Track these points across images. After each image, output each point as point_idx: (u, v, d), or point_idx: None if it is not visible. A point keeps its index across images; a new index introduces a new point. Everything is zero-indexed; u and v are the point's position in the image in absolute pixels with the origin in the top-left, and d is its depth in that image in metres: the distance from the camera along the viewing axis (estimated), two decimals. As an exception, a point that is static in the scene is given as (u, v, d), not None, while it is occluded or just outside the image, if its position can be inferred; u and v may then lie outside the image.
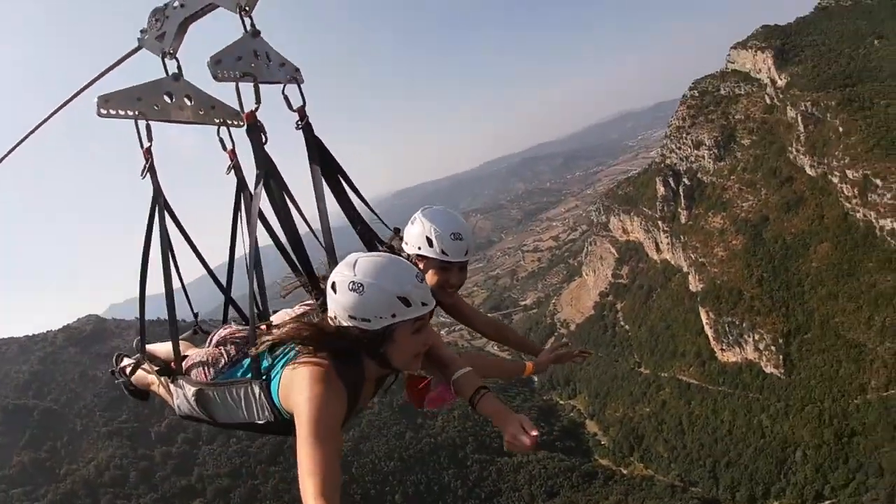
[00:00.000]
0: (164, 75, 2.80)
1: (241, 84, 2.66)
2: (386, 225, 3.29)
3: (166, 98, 2.91)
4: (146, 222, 2.94)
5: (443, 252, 3.05)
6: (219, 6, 2.57)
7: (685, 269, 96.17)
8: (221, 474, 67.39)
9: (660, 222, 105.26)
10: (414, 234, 3.14)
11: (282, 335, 2.33)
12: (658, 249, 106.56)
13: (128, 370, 3.18)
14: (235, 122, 3.06)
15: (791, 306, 77.98)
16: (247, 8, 2.53)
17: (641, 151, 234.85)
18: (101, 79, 3.02)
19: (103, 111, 2.79)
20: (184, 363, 2.90)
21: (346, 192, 2.98)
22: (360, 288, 2.18)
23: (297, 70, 2.88)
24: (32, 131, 3.24)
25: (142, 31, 2.83)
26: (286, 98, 2.78)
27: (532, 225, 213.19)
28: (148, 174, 2.97)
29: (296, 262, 2.66)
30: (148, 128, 2.89)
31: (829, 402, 69.04)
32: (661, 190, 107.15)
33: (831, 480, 64.61)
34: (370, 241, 3.08)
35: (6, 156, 3.39)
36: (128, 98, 2.81)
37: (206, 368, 2.80)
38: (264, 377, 2.41)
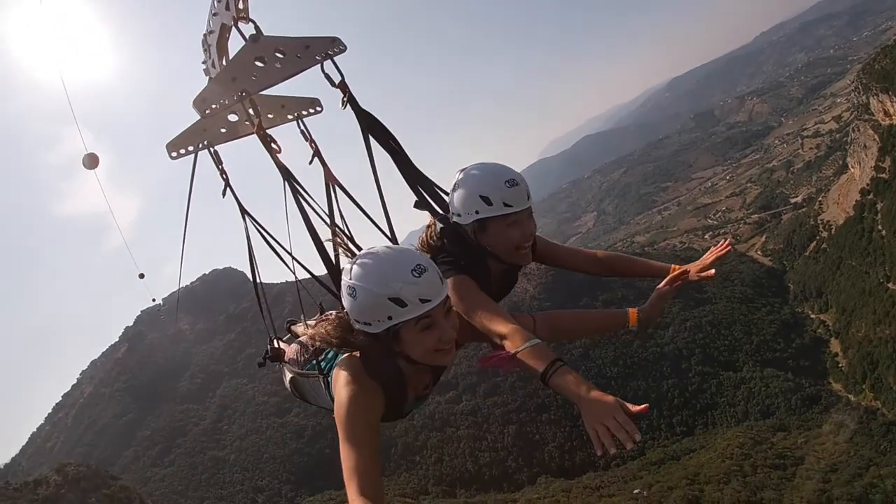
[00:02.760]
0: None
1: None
2: (444, 192, 3.19)
3: (231, 118, 3.25)
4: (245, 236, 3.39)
5: (505, 204, 2.87)
6: (231, 24, 2.76)
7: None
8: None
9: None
10: (464, 200, 2.96)
11: (313, 335, 2.50)
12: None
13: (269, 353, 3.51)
14: (314, 110, 3.50)
15: None
16: (242, 16, 2.65)
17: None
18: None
19: (174, 154, 3.22)
20: (288, 350, 3.27)
21: (407, 162, 3.11)
22: (354, 292, 2.22)
23: (334, 40, 2.94)
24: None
25: (203, 62, 3.23)
26: (327, 77, 2.94)
27: (814, 103, 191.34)
28: (230, 193, 3.38)
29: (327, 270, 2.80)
30: (217, 153, 3.30)
31: None
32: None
33: None
34: (430, 211, 3.14)
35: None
36: (193, 133, 3.22)
37: (297, 356, 3.08)
38: (326, 372, 2.62)
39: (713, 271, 3.13)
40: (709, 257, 3.17)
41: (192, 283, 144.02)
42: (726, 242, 3.21)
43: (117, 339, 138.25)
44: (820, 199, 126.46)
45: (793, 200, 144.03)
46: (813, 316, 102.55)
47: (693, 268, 3.18)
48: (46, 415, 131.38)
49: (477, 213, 2.90)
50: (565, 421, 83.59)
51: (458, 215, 2.99)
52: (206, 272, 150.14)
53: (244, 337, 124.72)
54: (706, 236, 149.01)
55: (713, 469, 57.08)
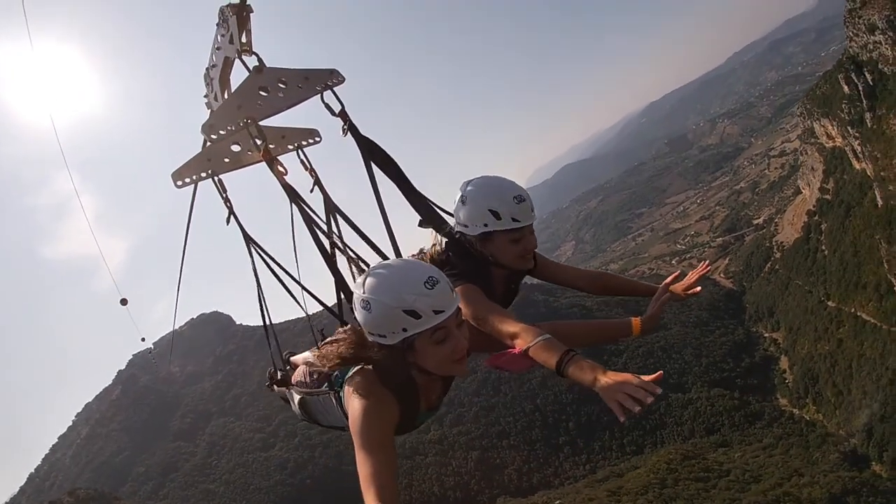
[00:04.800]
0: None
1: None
2: (446, 212, 3.32)
3: (234, 148, 3.35)
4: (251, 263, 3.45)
5: (513, 220, 3.02)
6: (234, 57, 2.87)
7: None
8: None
9: (848, 127, 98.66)
10: (472, 213, 3.09)
11: (324, 353, 2.53)
12: (857, 158, 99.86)
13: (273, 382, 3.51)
14: (313, 140, 3.66)
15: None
16: (246, 49, 2.77)
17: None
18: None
19: (179, 183, 3.31)
20: (295, 373, 3.29)
21: (408, 183, 3.28)
22: (368, 305, 2.27)
23: (332, 72, 3.14)
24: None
25: (205, 96, 3.34)
26: (327, 107, 3.13)
27: (782, 122, 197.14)
28: (234, 220, 3.43)
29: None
30: (221, 182, 3.39)
31: None
32: (844, 88, 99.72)
33: None
34: (435, 227, 3.25)
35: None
36: (198, 163, 3.33)
37: (305, 377, 3.08)
38: (337, 388, 2.64)
39: (699, 288, 3.31)
40: (692, 276, 3.37)
41: (180, 327, 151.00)
42: (705, 263, 3.54)
43: (111, 382, 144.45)
44: (776, 220, 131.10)
45: (755, 222, 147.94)
46: (766, 335, 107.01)
47: (679, 287, 3.35)
48: (44, 455, 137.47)
49: (486, 225, 3.06)
50: (524, 446, 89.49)
51: (465, 226, 3.14)
52: (194, 316, 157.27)
53: (231, 378, 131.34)
54: (674, 261, 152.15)
55: (635, 483, 62.41)
